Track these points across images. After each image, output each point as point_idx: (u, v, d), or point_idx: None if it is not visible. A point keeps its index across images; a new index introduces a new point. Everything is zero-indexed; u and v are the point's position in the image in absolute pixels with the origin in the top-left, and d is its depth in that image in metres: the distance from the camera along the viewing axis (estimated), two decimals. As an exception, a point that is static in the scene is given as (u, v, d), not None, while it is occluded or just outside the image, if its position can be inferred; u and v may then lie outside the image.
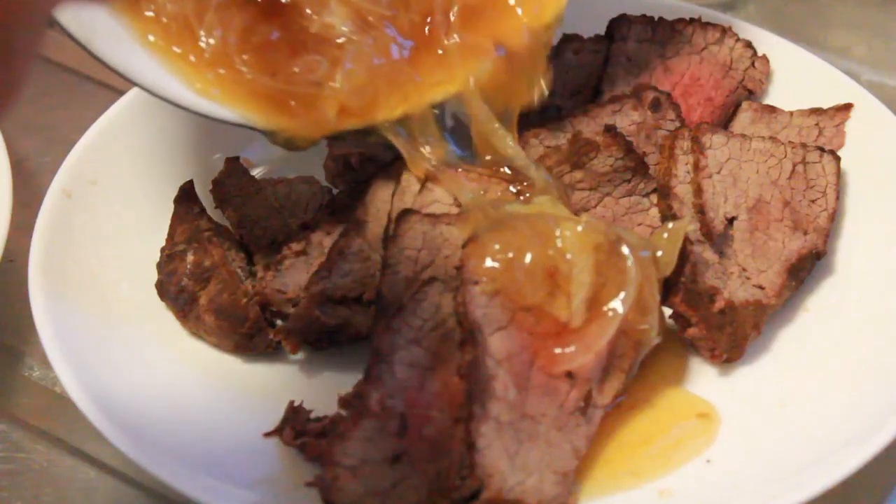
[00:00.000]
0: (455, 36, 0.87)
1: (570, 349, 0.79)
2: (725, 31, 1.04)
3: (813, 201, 0.94)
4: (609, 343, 0.80)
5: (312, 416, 0.81)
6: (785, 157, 0.95)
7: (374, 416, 0.75)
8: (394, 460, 0.74)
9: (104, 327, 0.87)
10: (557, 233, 0.81)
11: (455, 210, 0.86)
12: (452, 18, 0.87)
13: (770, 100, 1.06)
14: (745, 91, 1.05)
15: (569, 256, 0.80)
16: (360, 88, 0.84)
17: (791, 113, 1.02)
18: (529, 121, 0.93)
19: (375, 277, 0.85)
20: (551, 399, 0.78)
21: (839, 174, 0.96)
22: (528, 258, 0.80)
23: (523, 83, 0.90)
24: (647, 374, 0.86)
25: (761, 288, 0.89)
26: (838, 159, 0.97)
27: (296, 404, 0.81)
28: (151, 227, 0.94)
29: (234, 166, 0.96)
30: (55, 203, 0.93)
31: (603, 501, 0.79)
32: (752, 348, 0.89)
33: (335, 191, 0.96)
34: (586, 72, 1.03)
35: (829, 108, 1.02)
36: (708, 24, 1.04)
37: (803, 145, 0.96)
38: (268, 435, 0.81)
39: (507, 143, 0.88)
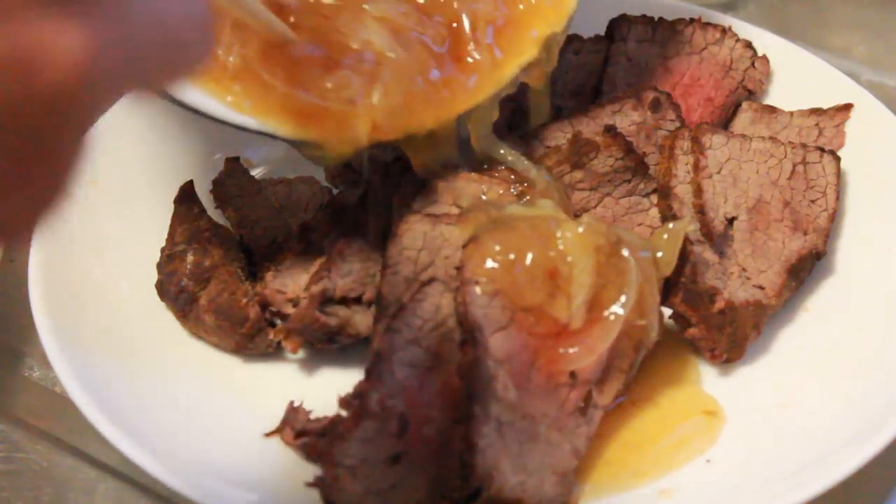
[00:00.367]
0: (482, 51, 0.86)
1: (573, 350, 0.79)
2: (725, 31, 1.04)
3: (813, 201, 0.94)
4: (610, 344, 0.80)
5: (312, 416, 0.81)
6: (785, 157, 0.95)
7: (374, 417, 0.75)
8: (394, 460, 0.74)
9: (104, 327, 0.87)
10: (558, 234, 0.81)
11: (455, 210, 0.86)
12: (480, 33, 0.87)
13: (770, 100, 1.06)
14: (745, 91, 1.05)
15: (569, 259, 0.80)
16: (396, 107, 0.83)
17: (791, 113, 1.02)
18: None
19: (375, 277, 0.85)
20: (551, 399, 0.78)
21: (839, 174, 0.96)
22: (528, 259, 0.80)
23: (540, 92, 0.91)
24: (649, 373, 0.86)
25: (761, 288, 0.89)
26: (838, 159, 0.97)
27: (296, 404, 0.81)
28: (151, 227, 0.94)
29: (235, 166, 0.96)
30: (55, 203, 0.93)
31: (603, 501, 0.79)
32: (752, 348, 0.89)
33: (335, 191, 0.96)
34: (586, 72, 1.03)
35: (829, 109, 1.02)
36: (708, 24, 1.04)
37: (803, 145, 0.96)
38: (268, 435, 0.81)
39: (508, 150, 0.89)
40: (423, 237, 0.83)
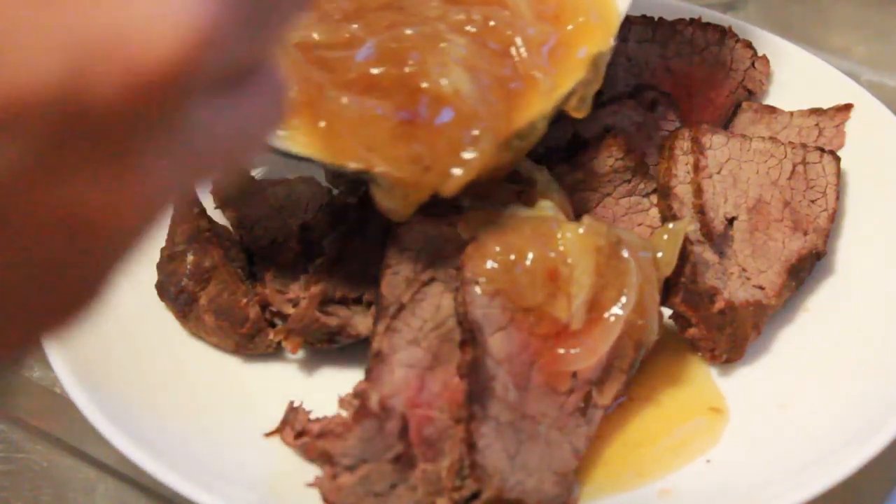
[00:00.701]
0: (539, 72, 0.84)
1: (574, 351, 0.79)
2: (725, 31, 1.04)
3: (813, 201, 0.94)
4: (611, 345, 0.80)
5: (312, 416, 0.81)
6: (785, 157, 0.95)
7: (374, 417, 0.75)
8: (394, 460, 0.74)
9: (104, 328, 0.87)
10: (558, 235, 0.81)
11: (456, 211, 0.86)
12: (536, 56, 0.85)
13: (770, 100, 1.06)
14: (745, 91, 1.05)
15: (570, 260, 0.80)
16: (490, 159, 0.80)
17: (791, 113, 1.02)
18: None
19: (375, 277, 0.85)
20: (551, 399, 0.78)
21: (839, 174, 0.96)
22: (528, 260, 0.79)
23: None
24: (651, 373, 0.86)
25: (761, 288, 0.89)
26: (838, 160, 0.97)
27: (296, 404, 0.81)
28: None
29: (235, 166, 0.95)
30: (55, 203, 0.93)
31: (603, 502, 0.79)
32: (752, 348, 0.89)
33: (335, 191, 0.96)
34: (586, 72, 1.03)
35: (829, 109, 1.02)
36: (708, 24, 1.04)
37: (803, 146, 0.96)
38: (268, 435, 0.81)
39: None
40: (422, 237, 0.83)
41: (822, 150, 0.96)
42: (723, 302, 0.87)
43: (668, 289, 0.86)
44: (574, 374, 0.79)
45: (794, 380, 0.87)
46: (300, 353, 0.89)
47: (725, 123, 1.03)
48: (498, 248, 0.80)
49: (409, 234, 0.83)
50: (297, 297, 0.87)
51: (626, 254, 0.81)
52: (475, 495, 0.74)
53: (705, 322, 0.87)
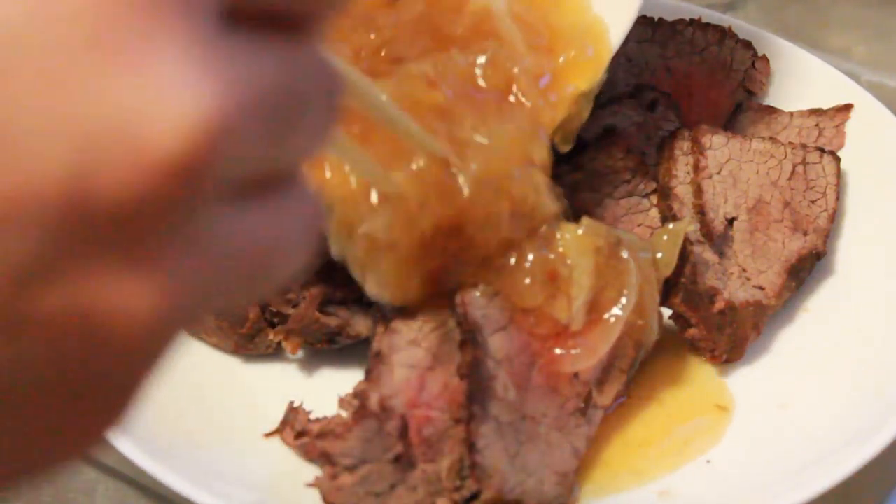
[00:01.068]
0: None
1: (574, 352, 0.79)
2: (725, 31, 1.04)
3: (813, 202, 0.94)
4: (611, 345, 0.80)
5: (312, 416, 0.81)
6: (785, 157, 0.95)
7: (374, 417, 0.75)
8: (394, 461, 0.74)
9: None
10: (558, 236, 0.81)
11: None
12: (534, 90, 0.84)
13: (770, 100, 1.06)
14: (745, 92, 1.05)
15: (569, 261, 0.80)
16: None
17: (791, 113, 1.02)
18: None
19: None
20: (551, 400, 0.78)
21: (839, 175, 0.96)
22: (528, 261, 0.79)
23: None
24: (653, 372, 0.86)
25: (761, 288, 0.89)
26: (838, 160, 0.97)
27: (296, 405, 0.81)
28: (151, 227, 0.94)
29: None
30: (55, 204, 0.93)
31: (604, 502, 0.79)
32: (752, 348, 0.89)
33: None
34: (586, 72, 1.03)
35: (829, 109, 1.02)
36: (708, 24, 1.04)
37: (803, 146, 0.96)
38: (268, 435, 0.81)
39: None
40: (423, 237, 0.83)
41: (822, 150, 0.96)
42: (723, 302, 0.87)
43: (668, 289, 0.86)
44: (574, 375, 0.79)
45: (794, 380, 0.87)
46: (300, 354, 0.89)
47: (725, 124, 1.03)
48: (497, 249, 0.80)
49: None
50: (297, 297, 0.87)
51: (625, 254, 0.81)
52: (475, 495, 0.74)
53: (705, 322, 0.87)
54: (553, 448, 0.77)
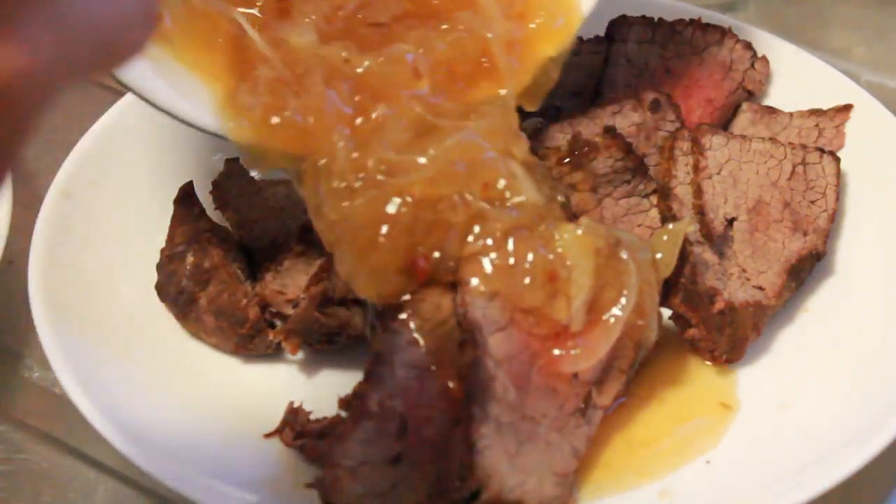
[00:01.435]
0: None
1: (574, 352, 0.79)
2: (725, 32, 1.04)
3: (813, 202, 0.94)
4: (611, 346, 0.80)
5: (312, 416, 0.81)
6: (785, 158, 0.95)
7: (373, 418, 0.75)
8: (394, 461, 0.74)
9: (104, 329, 0.87)
10: (557, 236, 0.81)
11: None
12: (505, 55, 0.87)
13: (770, 101, 1.06)
14: (744, 92, 1.05)
15: (569, 262, 0.80)
16: None
17: (791, 114, 1.02)
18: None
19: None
20: (551, 400, 0.78)
21: (839, 175, 0.96)
22: (527, 261, 0.79)
23: None
24: (651, 373, 0.86)
25: (761, 289, 0.89)
26: (838, 160, 0.97)
27: (296, 405, 0.82)
28: (151, 228, 0.94)
29: (234, 167, 0.96)
30: (55, 205, 0.93)
31: (604, 502, 0.79)
32: (752, 348, 0.89)
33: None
34: (586, 73, 1.03)
35: (829, 109, 1.02)
36: (708, 25, 1.04)
37: (803, 146, 0.96)
38: (268, 436, 0.81)
39: None
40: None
41: (821, 150, 0.96)
42: (722, 302, 0.87)
43: (668, 289, 0.86)
44: (574, 375, 0.79)
45: (794, 380, 0.87)
46: (300, 354, 0.89)
47: (725, 124, 1.03)
48: (497, 249, 0.80)
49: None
50: (297, 297, 0.87)
51: (625, 255, 0.81)
52: (475, 496, 0.74)
53: (705, 323, 0.87)
54: (553, 448, 0.77)
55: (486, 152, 0.81)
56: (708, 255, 0.89)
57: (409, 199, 0.78)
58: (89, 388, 0.79)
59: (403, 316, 0.78)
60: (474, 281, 0.78)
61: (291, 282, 0.88)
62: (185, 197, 0.94)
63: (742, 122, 1.02)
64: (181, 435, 0.81)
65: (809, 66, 1.07)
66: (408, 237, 0.78)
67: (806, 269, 0.92)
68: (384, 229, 0.77)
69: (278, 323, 0.89)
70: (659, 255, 0.85)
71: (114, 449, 0.76)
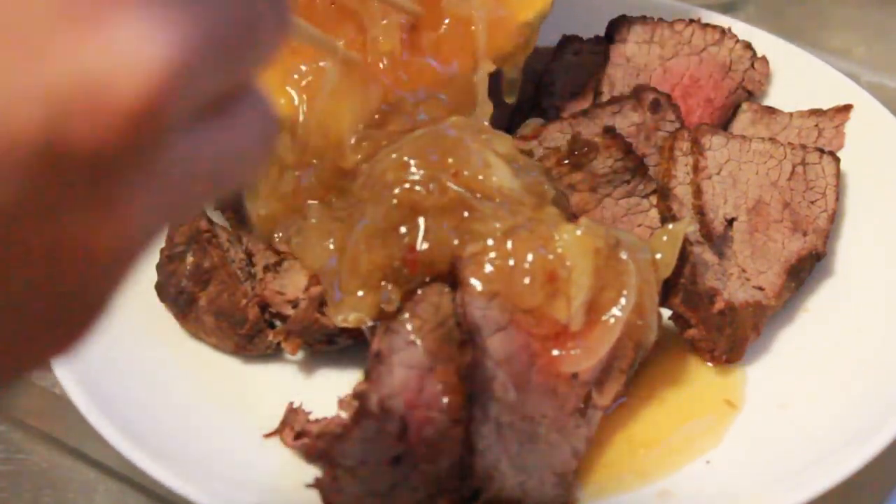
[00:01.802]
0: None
1: (574, 353, 0.79)
2: (725, 32, 1.04)
3: (812, 202, 0.94)
4: (611, 346, 0.80)
5: (312, 416, 0.81)
6: (784, 158, 0.95)
7: (373, 418, 0.74)
8: (393, 461, 0.74)
9: (104, 329, 0.86)
10: (556, 237, 0.81)
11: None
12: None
13: (770, 101, 1.06)
14: (744, 92, 1.05)
15: (568, 262, 0.80)
16: None
17: (790, 114, 1.02)
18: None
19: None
20: (551, 400, 0.78)
21: (839, 175, 0.96)
22: (527, 261, 0.79)
23: None
24: (651, 373, 0.86)
25: (761, 289, 0.89)
26: (838, 160, 0.97)
27: (295, 405, 0.81)
28: (151, 228, 0.94)
29: (234, 168, 0.95)
30: (55, 205, 0.93)
31: (605, 502, 0.79)
32: (752, 348, 0.89)
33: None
34: (586, 73, 1.03)
35: (829, 110, 1.02)
36: (707, 25, 1.04)
37: (803, 146, 0.96)
38: (267, 436, 0.81)
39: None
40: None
41: (821, 150, 0.96)
42: (722, 303, 0.87)
43: (668, 290, 0.86)
44: (574, 375, 0.79)
45: (794, 380, 0.87)
46: (300, 354, 0.89)
47: (725, 124, 1.03)
48: (496, 250, 0.80)
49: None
50: (297, 298, 0.87)
51: (624, 255, 0.81)
52: (475, 495, 0.74)
53: (705, 323, 0.87)
54: (553, 448, 0.77)
55: (459, 140, 0.83)
56: (708, 256, 0.89)
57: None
58: (89, 389, 0.79)
59: (403, 316, 0.78)
60: (474, 281, 0.78)
61: (291, 282, 0.88)
62: (185, 197, 0.93)
63: (742, 122, 1.02)
64: (181, 435, 0.81)
65: (809, 66, 1.07)
66: (382, 238, 0.79)
67: (806, 270, 0.92)
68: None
69: (278, 323, 0.88)
70: (659, 256, 0.85)
71: (114, 449, 0.76)
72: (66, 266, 0.36)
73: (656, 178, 0.93)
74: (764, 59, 1.06)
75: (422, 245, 0.79)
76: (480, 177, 0.81)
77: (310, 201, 0.86)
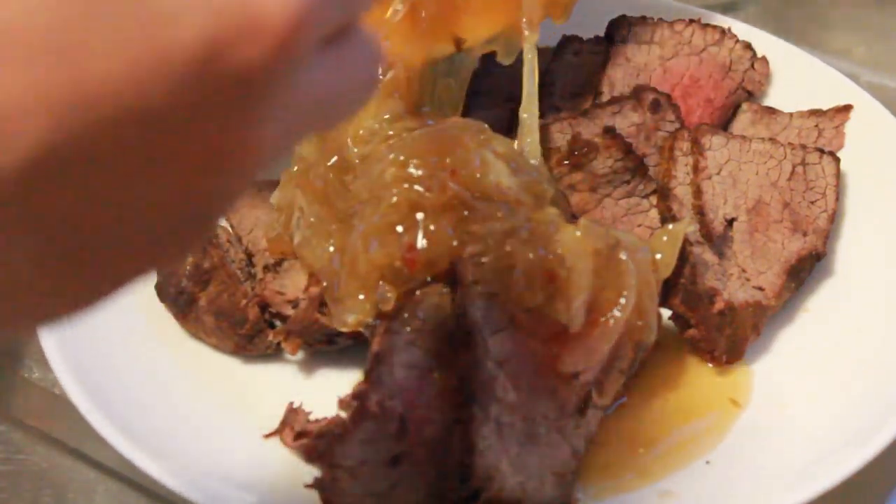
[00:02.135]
0: None
1: (573, 353, 0.79)
2: (725, 32, 1.04)
3: (812, 202, 0.94)
4: (610, 347, 0.80)
5: (312, 417, 0.81)
6: (784, 158, 0.95)
7: (373, 418, 0.74)
8: (393, 462, 0.74)
9: (103, 328, 0.87)
10: (556, 237, 0.81)
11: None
12: None
13: (770, 101, 1.06)
14: (744, 92, 1.05)
15: (568, 263, 0.80)
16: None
17: (790, 114, 1.02)
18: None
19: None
20: (551, 401, 0.78)
21: (839, 175, 0.96)
22: (526, 262, 0.79)
23: None
24: (651, 373, 0.86)
25: (761, 289, 0.89)
26: (838, 161, 0.97)
27: (295, 405, 0.81)
28: (151, 228, 0.94)
29: (234, 168, 0.95)
30: (55, 205, 0.93)
31: (604, 503, 0.79)
32: (752, 348, 0.89)
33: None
34: (586, 73, 1.03)
35: (829, 110, 1.02)
36: (707, 25, 1.04)
37: (803, 147, 0.96)
38: (267, 436, 0.81)
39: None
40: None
41: (821, 151, 0.96)
42: (722, 303, 0.87)
43: (668, 290, 0.86)
44: (574, 375, 0.79)
45: (794, 380, 0.87)
46: (300, 355, 0.89)
47: (725, 124, 1.03)
48: (496, 250, 0.80)
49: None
50: (297, 298, 0.87)
51: (624, 256, 0.81)
52: (475, 496, 0.74)
53: (705, 323, 0.87)
54: (553, 449, 0.77)
55: (458, 139, 0.84)
56: (708, 256, 0.89)
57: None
58: (89, 389, 0.79)
59: (403, 316, 0.78)
60: (473, 281, 0.78)
61: (291, 282, 0.88)
62: (185, 197, 0.93)
63: (742, 122, 1.02)
64: (181, 435, 0.81)
65: (809, 67, 1.07)
66: (382, 237, 0.79)
67: (806, 270, 0.92)
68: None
69: (278, 323, 0.89)
70: (658, 256, 0.85)
71: (114, 449, 0.76)
72: (199, 178, 0.39)
73: (656, 179, 0.93)
74: (764, 59, 1.06)
75: (421, 243, 0.79)
76: (478, 176, 0.81)
77: (310, 201, 0.85)
